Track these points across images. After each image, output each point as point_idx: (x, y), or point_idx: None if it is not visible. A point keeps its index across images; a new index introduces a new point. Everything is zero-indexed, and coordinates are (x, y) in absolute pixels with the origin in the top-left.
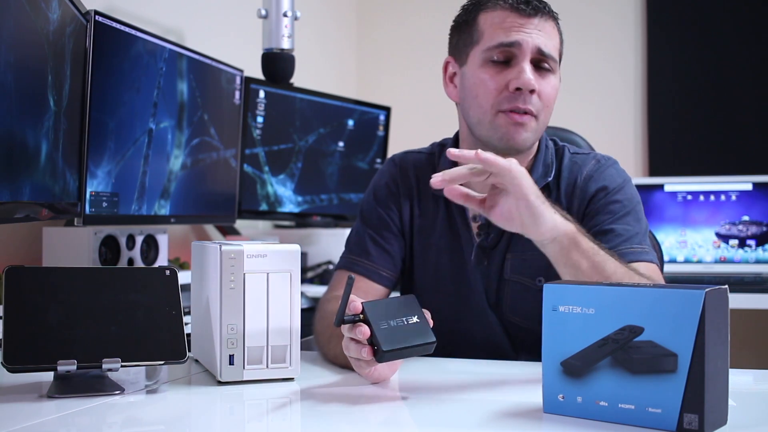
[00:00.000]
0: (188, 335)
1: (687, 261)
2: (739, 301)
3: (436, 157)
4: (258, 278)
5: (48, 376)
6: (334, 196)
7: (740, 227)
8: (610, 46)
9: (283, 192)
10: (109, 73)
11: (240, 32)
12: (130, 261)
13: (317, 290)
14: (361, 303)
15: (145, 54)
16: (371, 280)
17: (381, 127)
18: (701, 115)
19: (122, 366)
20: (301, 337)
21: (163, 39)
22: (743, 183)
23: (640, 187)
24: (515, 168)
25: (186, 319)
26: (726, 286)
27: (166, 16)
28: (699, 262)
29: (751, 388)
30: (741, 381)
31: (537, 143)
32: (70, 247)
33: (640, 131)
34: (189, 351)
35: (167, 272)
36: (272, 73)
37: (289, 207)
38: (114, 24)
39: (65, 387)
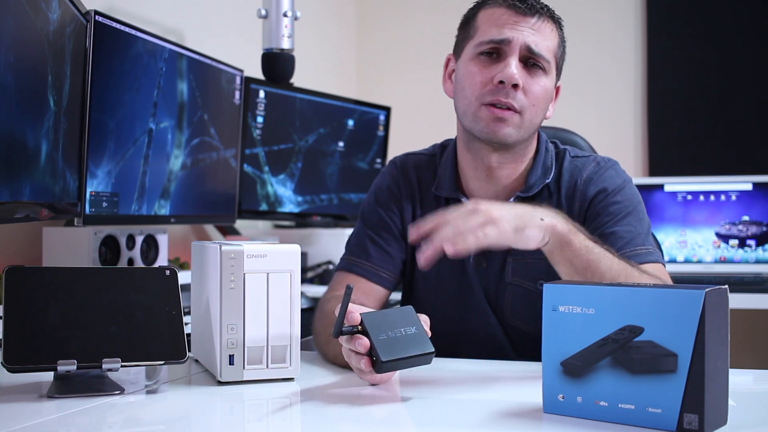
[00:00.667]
0: (188, 335)
1: (687, 261)
2: (739, 301)
3: (437, 158)
4: (258, 278)
5: (48, 376)
6: (334, 196)
7: (740, 227)
8: (610, 46)
9: (283, 192)
10: (109, 73)
11: (240, 32)
12: (130, 261)
13: (317, 290)
14: (360, 314)
15: (145, 54)
16: (371, 281)
17: (381, 127)
18: (701, 115)
19: (122, 366)
20: (301, 337)
21: (163, 39)
22: (743, 183)
23: (640, 187)
24: (483, 209)
25: (186, 319)
26: (726, 286)
27: (166, 16)
28: (699, 262)
29: (751, 388)
30: (741, 381)
31: (536, 145)
32: (70, 247)
33: (640, 131)
34: (189, 351)
35: (167, 272)
36: (272, 73)
37: (289, 207)
38: (114, 24)
39: (65, 387)
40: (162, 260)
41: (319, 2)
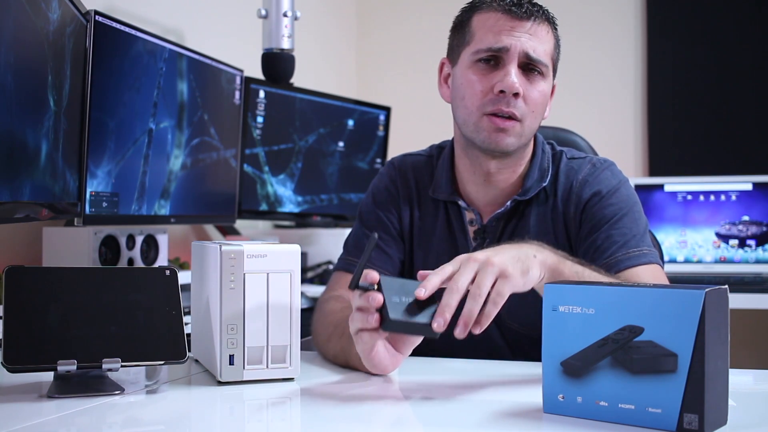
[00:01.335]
0: (188, 335)
1: (687, 261)
2: (739, 301)
3: (434, 160)
4: (258, 278)
5: (48, 376)
6: (334, 196)
7: (740, 227)
8: (610, 46)
9: (283, 192)
10: (109, 73)
11: (240, 32)
12: (130, 261)
13: (317, 290)
14: (379, 275)
15: (145, 54)
16: None
17: (381, 127)
18: (701, 115)
19: (122, 366)
20: (301, 337)
21: (163, 39)
22: (743, 183)
23: (640, 187)
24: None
25: (186, 319)
26: (726, 286)
27: (166, 16)
28: (699, 262)
29: (751, 388)
30: (741, 381)
31: (532, 147)
32: (70, 247)
33: (640, 131)
34: (189, 351)
35: (167, 272)
36: (272, 73)
37: (289, 207)
38: (114, 24)
39: (65, 387)
40: (162, 260)
41: (319, 2)
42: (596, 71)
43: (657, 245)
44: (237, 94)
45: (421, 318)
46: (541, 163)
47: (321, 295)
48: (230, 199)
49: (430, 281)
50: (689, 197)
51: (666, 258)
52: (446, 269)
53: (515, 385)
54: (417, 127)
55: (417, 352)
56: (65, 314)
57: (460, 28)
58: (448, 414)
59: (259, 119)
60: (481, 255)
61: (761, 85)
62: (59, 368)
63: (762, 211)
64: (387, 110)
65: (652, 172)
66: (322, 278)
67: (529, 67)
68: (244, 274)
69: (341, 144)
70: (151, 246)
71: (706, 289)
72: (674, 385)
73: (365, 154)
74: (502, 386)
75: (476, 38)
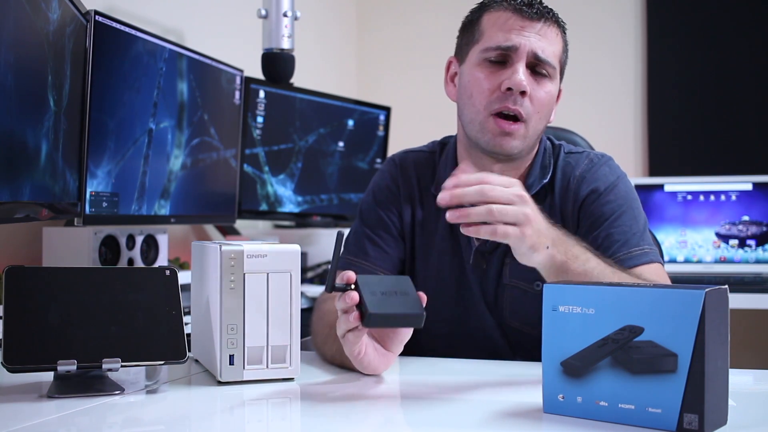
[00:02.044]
0: (188, 335)
1: (687, 261)
2: (739, 301)
3: (436, 156)
4: (258, 278)
5: (48, 376)
6: (334, 196)
7: (740, 227)
8: (610, 46)
9: (283, 192)
10: (109, 73)
11: (240, 32)
12: (130, 261)
13: (317, 290)
14: (355, 274)
15: (145, 54)
16: None
17: (381, 127)
18: (701, 115)
19: (122, 366)
20: (301, 337)
21: (163, 39)
22: (743, 183)
23: (640, 187)
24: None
25: (186, 319)
26: (726, 286)
27: (166, 16)
28: (699, 262)
29: (751, 388)
30: (741, 381)
31: (537, 146)
32: (70, 247)
33: (640, 131)
34: (189, 351)
35: (167, 272)
36: (272, 73)
37: (289, 207)
38: (114, 24)
39: (65, 387)
40: (162, 260)
41: (319, 2)
42: (596, 71)
43: (657, 245)
44: (237, 94)
45: (401, 308)
46: (543, 161)
47: (319, 295)
48: (230, 199)
49: (464, 181)
50: (689, 197)
51: (666, 258)
52: (491, 178)
53: (515, 385)
54: (417, 127)
55: (417, 353)
56: (65, 314)
57: (470, 27)
58: (448, 414)
59: (259, 119)
60: (527, 195)
61: (761, 85)
62: (59, 368)
63: (762, 211)
64: (387, 110)
65: (652, 172)
66: (322, 278)
67: (536, 67)
68: (244, 274)
69: (341, 144)
70: (151, 246)
71: (706, 289)
72: (674, 385)
73: (365, 154)
74: (502, 386)
75: (485, 36)
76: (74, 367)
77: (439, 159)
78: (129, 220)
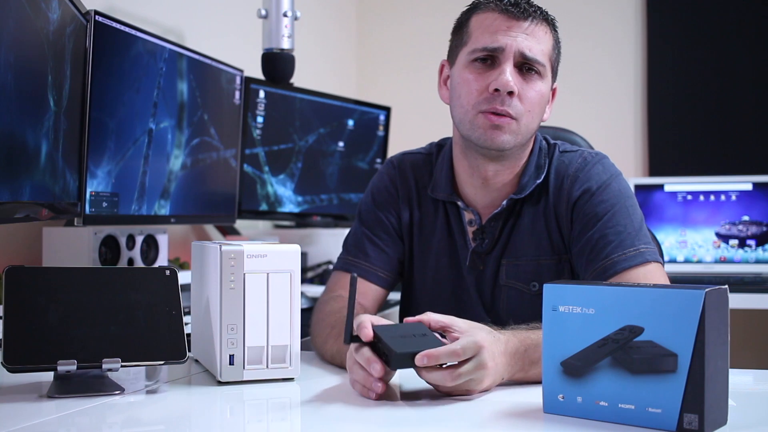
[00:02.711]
0: (188, 335)
1: (687, 261)
2: (739, 301)
3: (433, 158)
4: (258, 278)
5: (48, 376)
6: (334, 196)
7: (740, 227)
8: (610, 46)
9: (283, 192)
10: (109, 73)
11: (240, 32)
12: (130, 261)
13: (317, 290)
14: (373, 327)
15: (145, 54)
16: (369, 281)
17: (381, 127)
18: (701, 115)
19: (122, 366)
20: (301, 337)
21: (163, 39)
22: (743, 183)
23: (640, 187)
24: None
25: (186, 319)
26: (726, 286)
27: (166, 16)
28: (699, 262)
29: (751, 388)
30: (741, 381)
31: (531, 145)
32: (70, 247)
33: (640, 131)
34: (189, 351)
35: (167, 272)
36: (272, 73)
37: (289, 207)
38: (114, 24)
39: (65, 387)
40: (162, 260)
41: (319, 2)
42: (596, 71)
43: (657, 244)
44: (237, 94)
45: (424, 346)
46: (538, 160)
47: (321, 295)
48: (230, 199)
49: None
50: (689, 197)
51: (666, 258)
52: (456, 349)
53: (515, 385)
54: (417, 127)
55: None
56: (65, 314)
57: (459, 29)
58: (448, 414)
59: (259, 119)
60: (490, 363)
61: (761, 85)
62: (59, 368)
63: (762, 211)
64: (387, 110)
65: (652, 172)
66: (322, 278)
67: (525, 66)
68: (244, 274)
69: (341, 144)
70: (151, 246)
71: (706, 289)
72: (674, 385)
73: (365, 154)
74: (502, 386)
75: (473, 38)
76: (74, 367)
77: (435, 161)
78: (129, 220)
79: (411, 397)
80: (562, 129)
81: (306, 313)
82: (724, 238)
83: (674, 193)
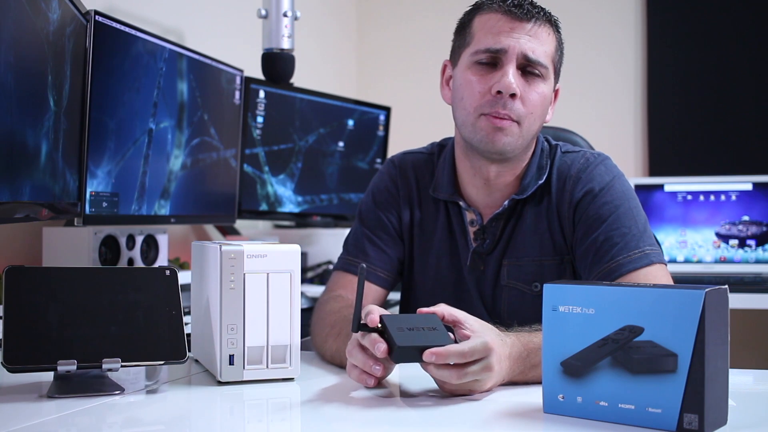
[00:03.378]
0: (188, 335)
1: (687, 261)
2: (739, 301)
3: (434, 158)
4: (258, 278)
5: (48, 376)
6: (334, 196)
7: (740, 227)
8: (610, 46)
9: (283, 192)
10: (109, 73)
11: (240, 32)
12: (130, 261)
13: (317, 290)
14: (380, 315)
15: (145, 54)
16: (369, 281)
17: (381, 127)
18: (701, 115)
19: (122, 366)
20: (301, 337)
21: (163, 39)
22: (743, 183)
23: (640, 187)
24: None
25: (186, 319)
26: (726, 286)
27: (166, 16)
28: (699, 262)
29: (751, 388)
30: (741, 381)
31: (533, 146)
32: (70, 247)
33: (640, 131)
34: (189, 351)
35: (167, 272)
36: (272, 73)
37: (289, 207)
38: (114, 24)
39: (65, 387)
40: (162, 260)
41: (319, 2)
42: (596, 71)
43: (657, 245)
44: (237, 94)
45: (428, 340)
46: (540, 161)
47: (321, 295)
48: (230, 199)
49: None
50: (689, 197)
51: (666, 258)
52: (464, 350)
53: (515, 386)
54: (417, 127)
55: None
56: (65, 314)
57: (462, 30)
58: (448, 414)
59: (259, 119)
60: (496, 366)
61: (761, 85)
62: (59, 368)
63: (762, 211)
64: (387, 110)
65: (652, 172)
66: (322, 278)
67: (528, 68)
68: (244, 274)
69: (341, 144)
70: (151, 246)
71: (706, 289)
72: (674, 385)
73: (365, 154)
74: (502, 386)
75: (476, 39)
76: (74, 367)
77: (437, 161)
78: (129, 220)
79: (411, 397)
80: (563, 129)
81: (306, 313)
82: (724, 238)
83: (674, 193)
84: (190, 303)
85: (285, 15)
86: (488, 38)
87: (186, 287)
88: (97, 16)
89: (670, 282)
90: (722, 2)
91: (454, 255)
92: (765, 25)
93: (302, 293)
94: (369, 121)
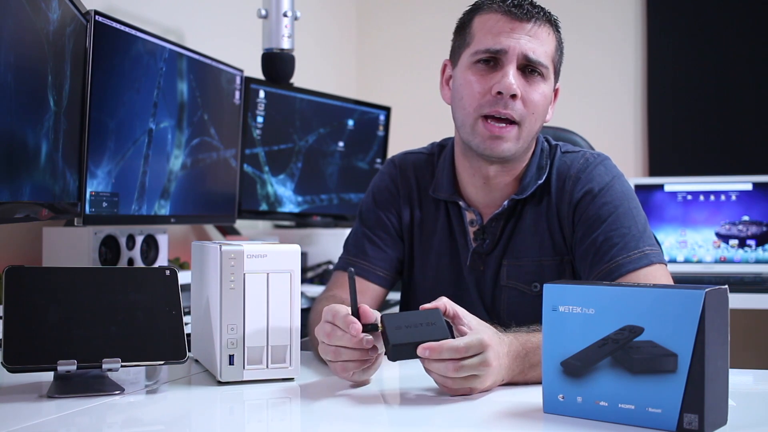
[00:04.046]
0: (188, 335)
1: (687, 261)
2: (739, 301)
3: (435, 158)
4: (258, 278)
5: (48, 376)
6: (334, 196)
7: (740, 227)
8: (610, 46)
9: (283, 192)
10: (109, 73)
11: (240, 32)
12: (130, 261)
13: (317, 290)
14: (381, 314)
15: (145, 54)
16: (368, 280)
17: (381, 127)
18: (701, 115)
19: (122, 366)
20: (301, 337)
21: (163, 39)
22: (743, 183)
23: (640, 187)
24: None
25: (186, 319)
26: (726, 286)
27: (166, 16)
28: (699, 262)
29: (751, 388)
30: (741, 381)
31: (533, 146)
32: (70, 247)
33: (640, 131)
34: (189, 351)
35: (167, 272)
36: (272, 73)
37: (289, 207)
38: (114, 24)
39: (65, 387)
40: (162, 260)
41: (319, 2)
42: (596, 71)
43: (657, 245)
44: (237, 94)
45: (425, 336)
46: (540, 161)
47: (319, 294)
48: (230, 199)
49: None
50: (689, 197)
51: (666, 258)
52: (459, 346)
53: (515, 386)
54: (417, 127)
55: None
56: (65, 314)
57: (462, 30)
58: (448, 414)
59: (259, 119)
60: (494, 362)
61: (761, 85)
62: (59, 368)
63: (762, 211)
64: (387, 110)
65: (652, 172)
66: (322, 278)
67: (528, 68)
68: (244, 274)
69: (341, 144)
70: (151, 246)
71: (706, 289)
72: (674, 385)
73: (365, 154)
74: (502, 386)
75: (476, 40)
76: (74, 367)
77: (437, 161)
78: (129, 220)
79: (411, 397)
80: (563, 129)
81: (306, 313)
82: (724, 238)
83: (674, 193)
84: (190, 303)
85: (285, 15)
86: (488, 38)
87: (186, 287)
88: (97, 16)
89: (671, 282)
90: (722, 2)
91: (453, 255)
92: (765, 25)
93: (302, 293)
94: (369, 121)
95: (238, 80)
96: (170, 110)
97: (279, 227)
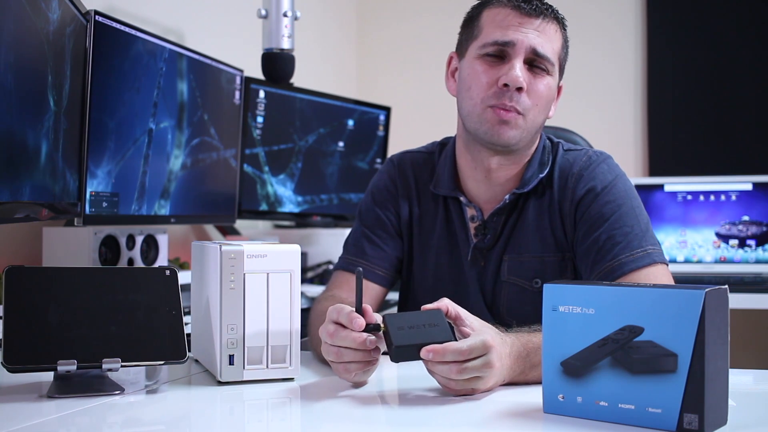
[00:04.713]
0: (188, 335)
1: (687, 261)
2: (739, 301)
3: (435, 156)
4: (258, 278)
5: (48, 376)
6: (334, 196)
7: (740, 227)
8: (610, 46)
9: (283, 192)
10: (109, 73)
11: (240, 32)
12: (130, 261)
13: (317, 290)
14: (383, 315)
15: (145, 54)
16: (368, 279)
17: (381, 127)
18: (701, 115)
19: (122, 366)
20: (301, 337)
21: (163, 39)
22: (743, 183)
23: (640, 187)
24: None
25: (186, 319)
26: (726, 286)
27: (166, 16)
28: (699, 262)
29: (751, 388)
30: (741, 381)
31: (536, 141)
32: (70, 247)
33: (640, 131)
34: (189, 351)
35: (167, 272)
36: (272, 73)
37: (289, 207)
38: (114, 24)
39: (65, 387)
40: (162, 260)
41: (319, 2)
42: (596, 71)
43: (659, 245)
44: (237, 94)
45: (428, 338)
46: (542, 157)
47: (319, 294)
48: (230, 199)
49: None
50: (689, 197)
51: (666, 258)
52: (462, 348)
53: (515, 386)
54: (417, 127)
55: None
56: (65, 314)
57: (470, 23)
58: (448, 414)
59: (259, 119)
60: (497, 363)
61: (761, 85)
62: (59, 368)
63: (762, 211)
64: (387, 110)
65: (652, 172)
66: (322, 278)
67: (535, 63)
68: (244, 274)
69: (341, 144)
70: (151, 246)
71: (706, 289)
72: (674, 385)
73: (365, 154)
74: (502, 386)
75: (484, 32)
76: (74, 367)
77: (438, 159)
78: (129, 220)
79: (411, 397)
80: (563, 129)
81: (306, 313)
82: (724, 238)
83: (674, 193)
84: (190, 303)
85: (285, 15)
86: (497, 31)
87: (186, 287)
88: (97, 16)
89: (672, 282)
90: (722, 2)
91: (454, 251)
92: (765, 25)
93: (302, 293)
94: (369, 121)
95: (238, 80)
96: (170, 110)
97: (279, 227)
